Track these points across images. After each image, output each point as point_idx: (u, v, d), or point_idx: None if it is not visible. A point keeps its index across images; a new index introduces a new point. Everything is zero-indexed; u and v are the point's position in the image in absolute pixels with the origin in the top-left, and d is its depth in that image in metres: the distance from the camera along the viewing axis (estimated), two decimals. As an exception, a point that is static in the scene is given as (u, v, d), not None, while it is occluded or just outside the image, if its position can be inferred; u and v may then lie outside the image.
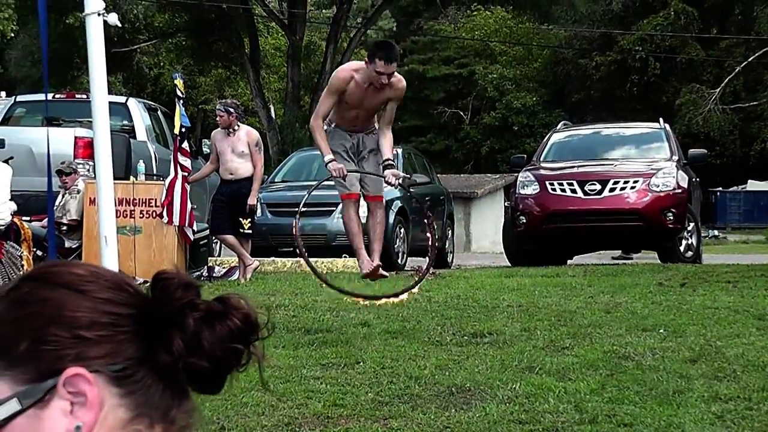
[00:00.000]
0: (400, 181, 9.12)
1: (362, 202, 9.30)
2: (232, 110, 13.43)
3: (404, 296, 9.05)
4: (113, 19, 3.62)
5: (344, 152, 9.03)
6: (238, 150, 13.33)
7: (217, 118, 13.45)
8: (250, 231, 13.52)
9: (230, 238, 13.46)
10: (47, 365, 1.31)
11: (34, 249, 13.30)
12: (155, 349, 1.35)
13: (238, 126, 13.49)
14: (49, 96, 17.18)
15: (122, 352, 1.34)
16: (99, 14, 3.53)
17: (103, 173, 3.75)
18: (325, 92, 9.08)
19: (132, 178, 14.13)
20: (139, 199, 13.54)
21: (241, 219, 13.35)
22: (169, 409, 1.38)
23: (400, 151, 17.50)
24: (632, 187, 16.21)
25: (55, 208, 14.03)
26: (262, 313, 1.42)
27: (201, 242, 14.21)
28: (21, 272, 12.86)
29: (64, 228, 13.97)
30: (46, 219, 12.70)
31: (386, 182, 8.86)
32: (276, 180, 18.82)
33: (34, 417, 1.30)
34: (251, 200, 13.37)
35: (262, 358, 1.42)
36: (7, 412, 1.30)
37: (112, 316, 1.35)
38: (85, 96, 16.28)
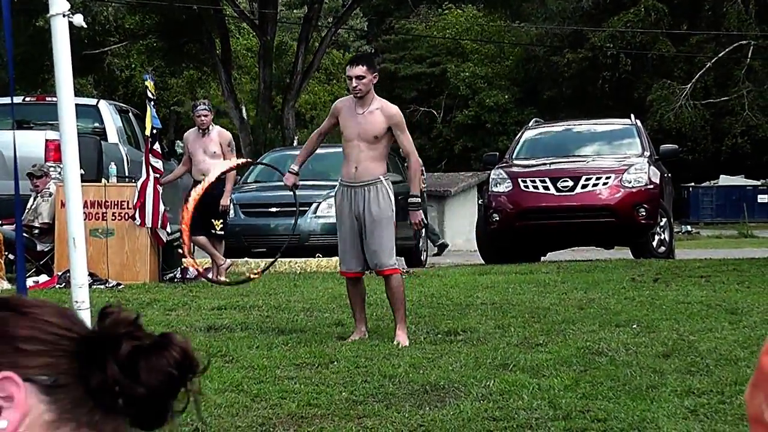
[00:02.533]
0: (420, 228, 8.93)
1: None
2: (211, 109, 13.51)
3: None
4: (78, 20, 3.60)
5: (348, 219, 8.60)
6: (211, 151, 13.30)
7: (201, 118, 13.31)
8: (223, 232, 13.49)
9: (201, 238, 13.43)
10: None
11: (6, 253, 13.24)
12: (90, 370, 1.44)
13: (211, 126, 13.48)
14: (19, 99, 17.09)
15: (57, 367, 1.44)
16: (64, 15, 3.50)
17: (70, 175, 3.73)
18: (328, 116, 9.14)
19: (104, 181, 14.06)
20: (111, 202, 13.48)
21: (213, 220, 13.32)
22: (95, 420, 1.46)
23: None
24: (604, 184, 16.25)
25: (27, 211, 13.96)
26: (203, 354, 1.51)
27: (174, 244, 14.15)
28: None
29: (36, 231, 13.90)
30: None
31: (411, 223, 8.78)
32: (248, 181, 18.78)
33: None
34: (224, 201, 13.35)
35: (199, 393, 1.50)
36: None
37: (53, 335, 1.45)
38: (55, 98, 16.16)
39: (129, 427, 1.50)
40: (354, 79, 8.56)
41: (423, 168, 8.67)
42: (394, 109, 8.73)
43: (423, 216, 8.73)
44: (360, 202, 8.53)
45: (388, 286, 8.60)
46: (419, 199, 8.83)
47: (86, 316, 4.16)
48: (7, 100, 17.00)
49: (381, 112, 8.59)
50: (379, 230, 8.49)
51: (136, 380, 1.44)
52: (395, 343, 8.13)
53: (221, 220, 13.41)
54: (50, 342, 1.45)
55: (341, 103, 8.88)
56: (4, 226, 13.53)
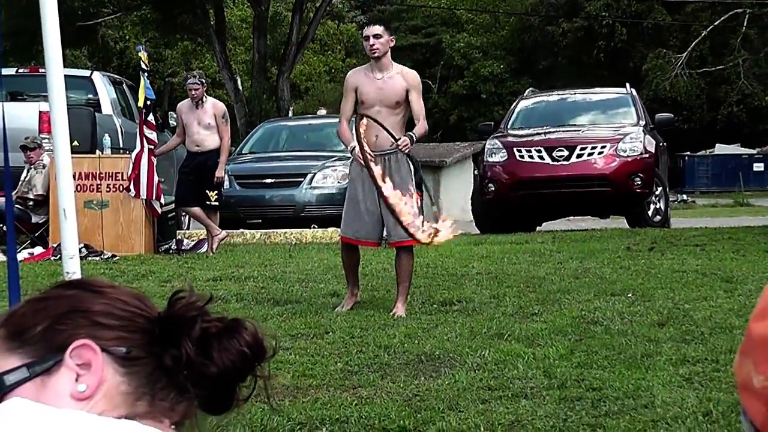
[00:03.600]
0: (405, 150, 8.52)
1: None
2: (204, 81, 13.41)
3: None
4: (67, -12, 3.57)
5: (366, 187, 8.38)
6: (205, 122, 13.26)
7: (192, 92, 13.25)
8: (217, 203, 13.47)
9: (196, 209, 13.42)
10: (59, 342, 1.47)
11: (0, 225, 13.22)
12: (165, 347, 1.50)
13: (205, 98, 13.42)
14: (12, 70, 17.03)
15: (132, 341, 1.49)
16: (51, -17, 3.48)
17: (60, 146, 3.71)
18: (343, 95, 8.79)
19: (98, 152, 14.03)
20: (106, 173, 13.45)
21: (207, 191, 13.29)
22: (169, 399, 1.51)
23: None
24: (600, 153, 16.22)
25: (20, 183, 13.94)
26: (271, 340, 1.55)
27: (169, 215, 14.14)
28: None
29: (31, 203, 13.88)
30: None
31: (396, 146, 8.40)
32: (243, 152, 18.75)
33: (40, 384, 1.45)
34: (219, 173, 13.31)
35: (268, 378, 1.56)
36: (15, 378, 1.45)
37: (127, 312, 1.51)
38: (48, 70, 16.06)
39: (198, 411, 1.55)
40: (372, 38, 8.44)
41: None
42: (413, 73, 8.75)
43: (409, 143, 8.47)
44: (379, 170, 8.40)
45: (399, 257, 8.51)
46: (413, 135, 8.46)
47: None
48: (-1, 71, 16.94)
49: (401, 76, 8.54)
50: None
51: (208, 358, 1.50)
52: (392, 313, 8.12)
53: (216, 192, 13.38)
54: (125, 318, 1.50)
55: (356, 74, 8.69)
56: (-2, 199, 13.49)
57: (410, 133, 8.43)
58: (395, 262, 8.62)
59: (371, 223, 8.53)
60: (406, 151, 8.35)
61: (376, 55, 8.49)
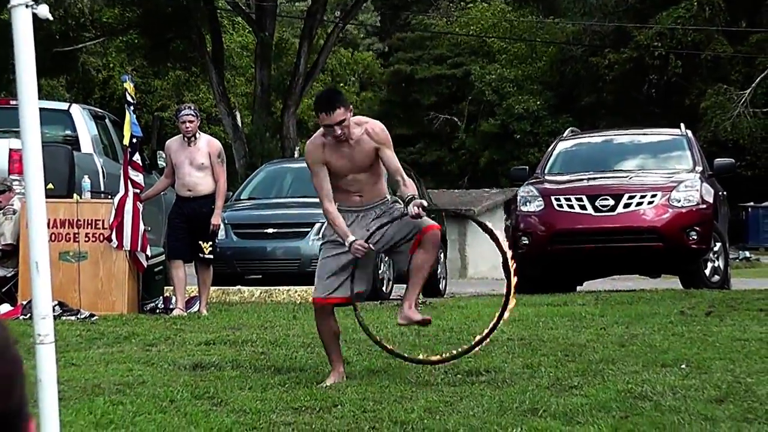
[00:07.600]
0: (420, 211, 8.58)
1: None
2: (198, 115, 13.45)
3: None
4: (44, 11, 3.60)
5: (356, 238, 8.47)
6: (198, 162, 13.27)
7: (186, 125, 13.26)
8: (211, 256, 13.45)
9: (182, 271, 13.45)
10: None
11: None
12: None
13: (198, 135, 13.43)
14: (-20, 102, 17.14)
15: None
16: (27, 6, 3.51)
17: (33, 188, 3.73)
18: (311, 174, 8.66)
19: (76, 197, 14.07)
20: (85, 221, 13.49)
21: (201, 242, 13.29)
22: None
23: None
24: (650, 203, 16.23)
25: (-13, 230, 13.99)
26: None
27: (156, 269, 14.16)
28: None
29: (-2, 254, 13.93)
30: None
31: (411, 215, 8.49)
32: (242, 197, 18.79)
33: None
34: (215, 220, 13.30)
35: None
36: None
37: None
38: (21, 102, 16.16)
39: None
40: (336, 127, 8.30)
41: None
42: (378, 126, 8.60)
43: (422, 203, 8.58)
44: (370, 219, 8.52)
45: (424, 243, 8.45)
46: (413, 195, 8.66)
47: (50, 351, 4.15)
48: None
49: (367, 135, 8.49)
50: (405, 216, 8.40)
51: None
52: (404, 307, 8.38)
53: (210, 243, 13.37)
54: None
55: (318, 147, 8.55)
56: (-38, 248, 13.55)
57: (409, 194, 8.39)
58: (418, 250, 8.48)
59: (344, 277, 8.55)
60: (419, 212, 8.35)
61: (345, 138, 8.42)
